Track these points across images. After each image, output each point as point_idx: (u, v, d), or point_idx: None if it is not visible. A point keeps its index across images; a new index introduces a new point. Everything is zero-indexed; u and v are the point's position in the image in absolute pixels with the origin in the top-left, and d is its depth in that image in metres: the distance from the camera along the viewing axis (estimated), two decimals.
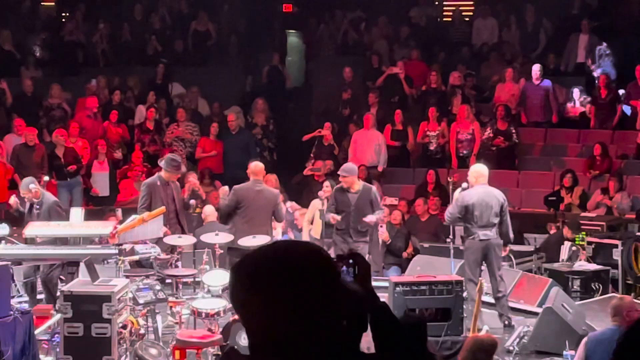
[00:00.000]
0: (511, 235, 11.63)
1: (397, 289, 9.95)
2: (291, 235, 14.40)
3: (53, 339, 9.35)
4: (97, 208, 16.17)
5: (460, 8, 21.55)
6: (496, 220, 11.27)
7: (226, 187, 13.38)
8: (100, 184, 17.13)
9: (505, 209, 11.43)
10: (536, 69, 18.27)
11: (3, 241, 10.89)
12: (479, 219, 11.21)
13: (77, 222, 11.37)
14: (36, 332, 9.27)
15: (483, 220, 11.22)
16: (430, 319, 9.97)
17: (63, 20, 21.45)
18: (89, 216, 12.93)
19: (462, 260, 12.29)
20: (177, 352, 8.84)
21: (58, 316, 10.17)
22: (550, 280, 12.63)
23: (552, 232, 14.78)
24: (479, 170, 11.75)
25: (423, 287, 10.02)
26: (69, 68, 20.18)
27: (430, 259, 13.62)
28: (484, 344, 6.96)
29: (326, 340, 2.40)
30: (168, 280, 11.35)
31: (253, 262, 2.39)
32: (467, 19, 21.34)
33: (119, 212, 14.63)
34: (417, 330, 5.96)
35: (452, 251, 12.44)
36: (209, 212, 14.09)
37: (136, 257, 10.82)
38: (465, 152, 17.34)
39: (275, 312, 2.32)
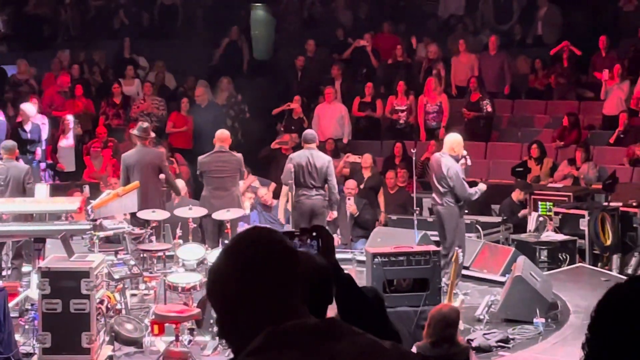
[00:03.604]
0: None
1: (376, 259, 10.02)
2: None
3: (31, 316, 9.34)
4: (63, 183, 16.09)
5: None
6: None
7: None
8: (66, 159, 17.02)
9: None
10: (492, 40, 18.43)
11: None
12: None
13: (42, 198, 11.31)
14: None
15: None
16: (408, 289, 10.11)
17: None
18: (55, 191, 12.92)
19: (423, 232, 12.82)
20: (155, 327, 8.86)
21: (25, 293, 10.19)
22: (513, 249, 12.76)
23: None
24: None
25: (401, 258, 10.10)
26: (35, 43, 20.00)
27: (391, 230, 13.77)
28: (450, 318, 7.03)
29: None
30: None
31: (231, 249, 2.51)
32: None
33: (87, 188, 14.58)
34: (375, 304, 6.06)
35: (415, 222, 12.62)
36: (180, 186, 14.07)
37: (110, 232, 10.82)
38: (433, 124, 17.44)
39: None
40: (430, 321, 6.95)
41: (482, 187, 12.16)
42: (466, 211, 12.26)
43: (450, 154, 11.89)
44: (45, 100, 17.54)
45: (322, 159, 12.32)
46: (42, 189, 11.67)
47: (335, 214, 12.82)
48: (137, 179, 12.04)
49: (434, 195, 12.07)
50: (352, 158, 15.39)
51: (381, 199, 15.15)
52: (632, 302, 2.41)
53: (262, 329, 2.40)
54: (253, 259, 2.45)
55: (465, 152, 12.09)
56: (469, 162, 12.25)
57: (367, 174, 15.20)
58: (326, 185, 12.31)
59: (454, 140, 12.05)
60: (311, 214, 12.12)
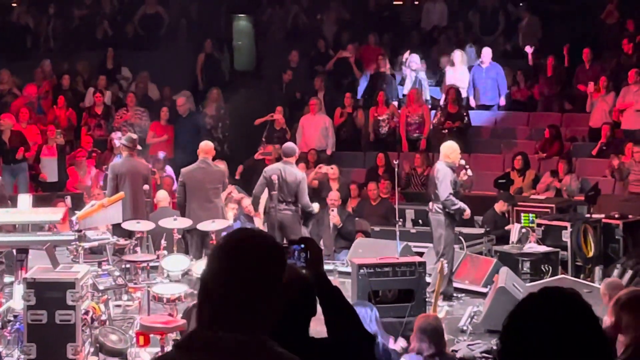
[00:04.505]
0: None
1: (361, 271, 10.06)
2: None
3: (15, 327, 9.29)
4: (45, 194, 16.06)
5: None
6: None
7: None
8: (49, 169, 17.01)
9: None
10: (485, 52, 18.49)
11: None
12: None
13: (25, 209, 11.24)
14: None
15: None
16: (393, 300, 10.13)
17: (12, 4, 21.18)
18: (38, 202, 12.86)
19: (405, 243, 12.90)
20: (141, 338, 8.84)
21: (7, 304, 10.11)
22: (495, 260, 12.78)
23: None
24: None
25: (386, 269, 10.15)
26: (18, 53, 19.97)
27: (372, 241, 13.79)
28: (441, 329, 7.02)
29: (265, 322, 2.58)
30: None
31: (229, 240, 2.67)
32: (416, 2, 21.55)
33: (68, 199, 14.56)
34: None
35: (397, 233, 12.67)
36: (162, 197, 14.08)
37: (95, 243, 10.80)
38: (415, 135, 17.49)
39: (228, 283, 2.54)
40: (422, 335, 6.90)
41: (468, 210, 12.15)
42: None
43: (445, 161, 11.96)
44: (13, 111, 17.41)
45: (294, 175, 12.31)
46: (25, 199, 11.60)
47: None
48: (127, 188, 12.06)
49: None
50: (325, 169, 15.40)
51: (349, 209, 15.18)
52: (542, 313, 2.47)
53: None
54: (241, 257, 2.57)
55: (464, 162, 12.14)
56: (469, 172, 12.26)
57: (334, 185, 15.21)
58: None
59: (448, 147, 12.11)
60: (280, 227, 12.14)
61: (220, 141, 18.07)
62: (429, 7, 20.85)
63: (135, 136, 13.27)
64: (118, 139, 14.72)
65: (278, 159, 16.06)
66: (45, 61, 18.95)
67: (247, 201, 14.92)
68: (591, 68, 17.65)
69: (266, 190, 12.95)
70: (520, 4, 20.06)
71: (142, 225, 11.51)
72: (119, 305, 10.99)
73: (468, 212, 12.10)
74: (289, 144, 13.20)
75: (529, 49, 18.53)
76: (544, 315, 2.48)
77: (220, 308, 2.53)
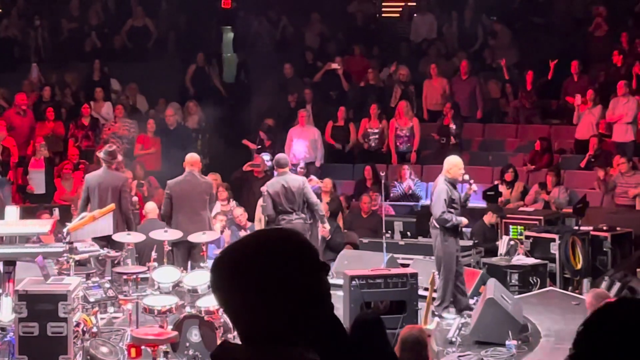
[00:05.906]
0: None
1: (354, 282, 10.09)
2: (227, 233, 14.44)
3: (5, 340, 9.27)
4: (33, 205, 16.03)
5: (400, 4, 21.80)
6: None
7: None
8: (36, 181, 16.98)
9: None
10: (463, 64, 18.56)
11: None
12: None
13: (12, 221, 11.22)
14: None
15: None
16: (385, 312, 10.14)
17: None
18: (25, 214, 12.84)
19: (390, 254, 12.91)
20: (132, 350, 8.83)
21: None
22: (481, 271, 12.81)
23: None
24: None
25: (378, 280, 10.19)
26: (6, 64, 19.96)
27: (358, 252, 13.86)
28: (423, 340, 7.03)
29: (318, 321, 2.41)
30: (108, 277, 11.34)
31: (232, 257, 2.37)
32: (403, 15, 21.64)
33: (56, 211, 14.53)
34: (375, 326, 6.07)
35: (384, 245, 12.65)
36: (150, 209, 14.06)
37: (86, 255, 10.76)
38: (404, 147, 17.52)
39: (259, 306, 2.31)
40: (403, 345, 6.91)
41: (462, 220, 12.10)
42: None
43: (446, 176, 11.87)
44: (4, 122, 17.42)
45: (297, 181, 12.39)
46: (12, 211, 11.58)
47: (327, 226, 12.85)
48: (96, 201, 12.01)
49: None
50: (315, 181, 15.41)
51: (340, 222, 15.19)
52: (618, 323, 2.48)
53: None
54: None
55: (467, 177, 12.02)
56: (474, 187, 12.16)
57: (326, 198, 15.21)
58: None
59: (448, 162, 12.02)
60: None
61: (205, 155, 18.06)
62: (418, 19, 20.90)
63: (113, 148, 13.16)
64: None
65: (267, 172, 16.12)
66: (33, 70, 18.95)
67: (238, 211, 14.94)
68: (579, 80, 17.70)
69: (259, 201, 12.97)
70: (494, 18, 20.14)
71: (132, 237, 11.49)
72: (103, 318, 10.94)
73: (464, 221, 12.05)
74: (281, 155, 13.20)
75: (502, 62, 18.58)
76: (620, 326, 2.48)
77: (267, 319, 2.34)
